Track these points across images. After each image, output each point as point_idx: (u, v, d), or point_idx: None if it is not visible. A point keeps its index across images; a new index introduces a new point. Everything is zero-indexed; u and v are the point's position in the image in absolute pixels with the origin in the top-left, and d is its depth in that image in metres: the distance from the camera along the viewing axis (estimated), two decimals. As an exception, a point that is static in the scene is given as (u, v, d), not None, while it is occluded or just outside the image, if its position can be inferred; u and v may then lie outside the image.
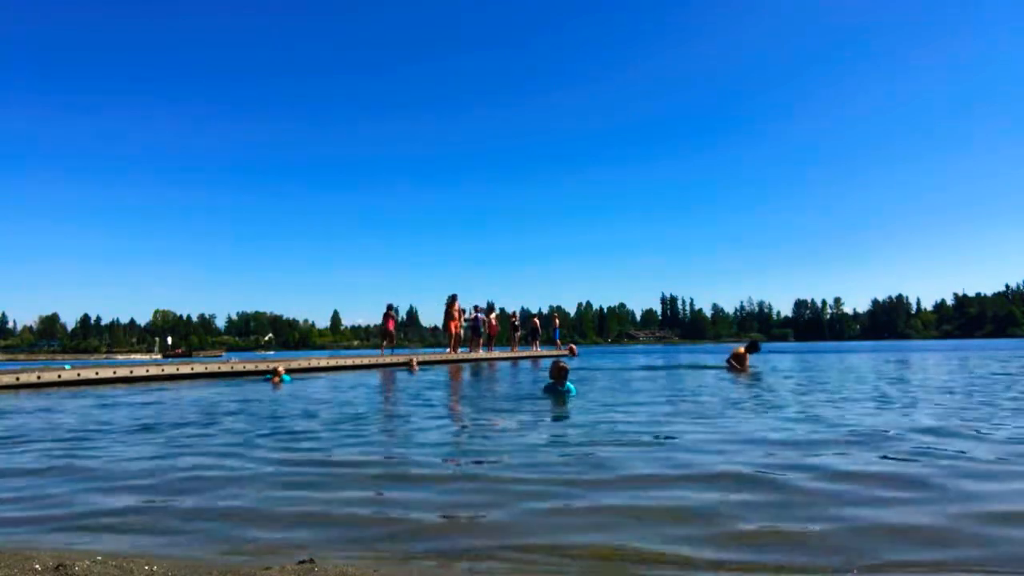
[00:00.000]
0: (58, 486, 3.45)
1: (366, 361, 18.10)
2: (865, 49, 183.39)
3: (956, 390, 7.90)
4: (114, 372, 13.02)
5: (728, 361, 13.14)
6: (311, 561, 2.14)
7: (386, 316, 21.59)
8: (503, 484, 3.26)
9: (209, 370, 14.67)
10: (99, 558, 2.19)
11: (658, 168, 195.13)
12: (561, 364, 7.87)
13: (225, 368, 15.21)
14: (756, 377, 10.95)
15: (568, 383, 7.76)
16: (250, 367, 15.24)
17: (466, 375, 13.89)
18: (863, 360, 18.01)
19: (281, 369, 12.26)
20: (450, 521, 2.67)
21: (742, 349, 13.07)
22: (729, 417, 5.64)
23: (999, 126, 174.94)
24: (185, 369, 14.17)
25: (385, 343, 21.37)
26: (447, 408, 7.24)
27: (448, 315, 21.68)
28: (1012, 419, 5.23)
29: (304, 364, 16.12)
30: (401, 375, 13.84)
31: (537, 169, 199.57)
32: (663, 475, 3.40)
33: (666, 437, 4.61)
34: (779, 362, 16.92)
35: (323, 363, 16.80)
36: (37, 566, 2.09)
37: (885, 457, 3.75)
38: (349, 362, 17.52)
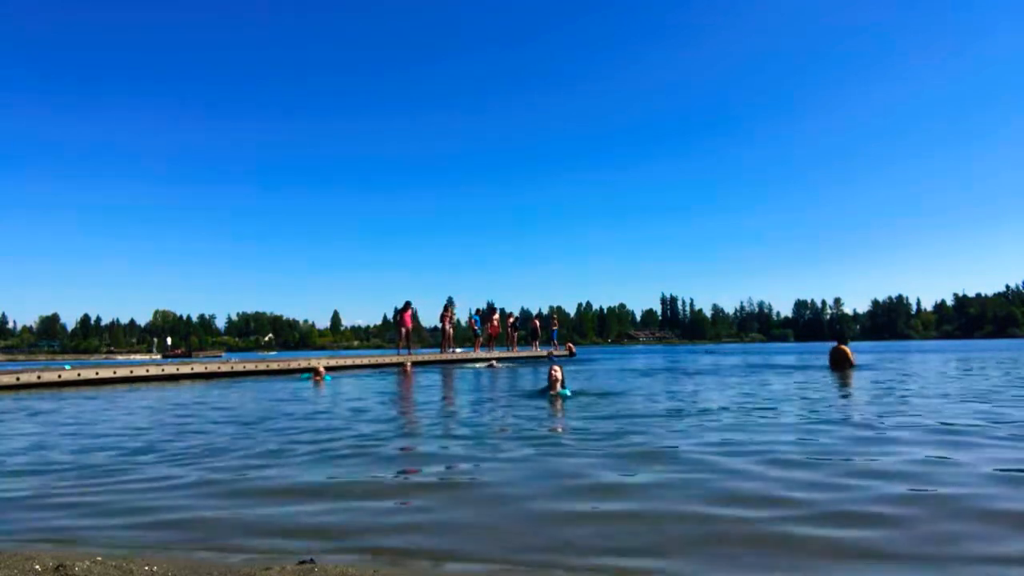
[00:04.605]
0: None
1: (365, 361, 18.26)
2: (865, 49, 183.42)
3: None
4: (114, 372, 13.03)
5: (843, 362, 11.99)
6: (311, 561, 2.14)
7: (400, 313, 21.26)
8: (507, 488, 3.26)
9: (209, 370, 14.67)
10: (99, 558, 2.19)
11: (658, 168, 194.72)
12: (556, 367, 8.17)
13: (225, 368, 15.21)
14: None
15: (566, 388, 7.86)
16: (283, 366, 15.57)
17: (466, 375, 13.91)
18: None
19: (322, 369, 12.80)
20: (451, 522, 2.67)
21: (844, 346, 12.28)
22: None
23: (999, 126, 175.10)
24: (185, 369, 14.17)
25: (400, 343, 20.98)
26: (453, 409, 7.27)
27: (442, 317, 23.11)
28: None
29: (344, 362, 16.19)
30: (391, 377, 13.81)
31: (537, 169, 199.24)
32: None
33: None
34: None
35: (350, 362, 17.64)
36: (37, 566, 2.09)
37: None
38: (364, 361, 18.42)
